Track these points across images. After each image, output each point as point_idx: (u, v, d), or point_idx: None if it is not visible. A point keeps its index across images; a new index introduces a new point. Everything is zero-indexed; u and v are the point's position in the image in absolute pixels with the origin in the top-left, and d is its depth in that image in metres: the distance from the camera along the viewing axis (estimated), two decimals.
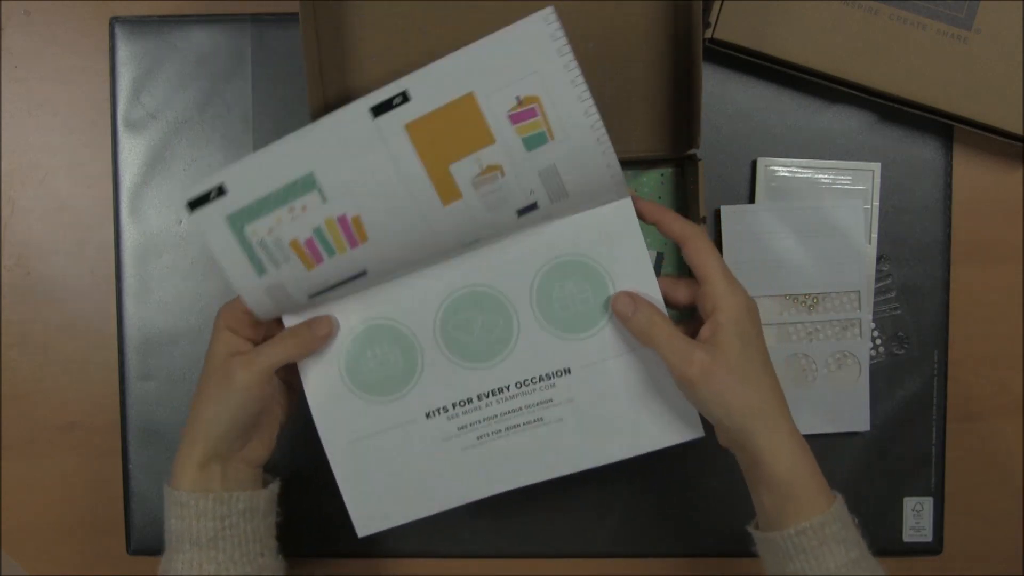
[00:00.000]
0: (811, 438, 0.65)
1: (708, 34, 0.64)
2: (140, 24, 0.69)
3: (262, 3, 0.70)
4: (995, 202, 0.70)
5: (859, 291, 0.67)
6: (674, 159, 0.67)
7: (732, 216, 0.67)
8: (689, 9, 0.59)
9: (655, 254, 0.67)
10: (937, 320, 0.69)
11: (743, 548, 0.71)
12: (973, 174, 0.70)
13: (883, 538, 0.69)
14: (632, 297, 0.55)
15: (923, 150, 0.69)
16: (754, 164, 0.68)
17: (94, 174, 0.72)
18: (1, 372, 0.72)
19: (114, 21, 0.69)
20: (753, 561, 0.72)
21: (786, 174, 0.67)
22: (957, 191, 0.69)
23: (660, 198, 0.67)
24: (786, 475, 0.52)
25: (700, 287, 0.53)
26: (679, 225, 0.54)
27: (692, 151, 0.63)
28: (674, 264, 0.67)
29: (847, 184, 0.67)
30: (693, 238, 0.54)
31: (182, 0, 0.70)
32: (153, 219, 0.70)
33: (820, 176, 0.67)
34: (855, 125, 0.69)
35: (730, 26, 0.64)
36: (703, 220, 0.62)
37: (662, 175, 0.67)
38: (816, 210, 0.67)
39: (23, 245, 0.72)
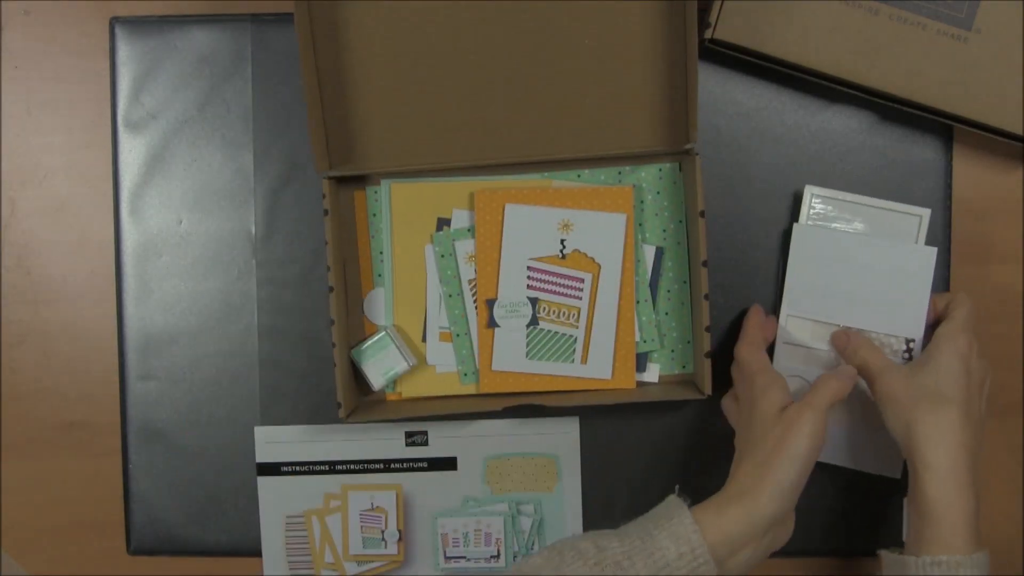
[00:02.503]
0: (836, 471, 0.67)
1: (708, 34, 0.64)
2: (140, 24, 0.69)
3: (262, 3, 0.70)
4: (995, 202, 0.70)
5: (916, 340, 0.66)
6: (672, 154, 0.67)
7: (803, 234, 0.66)
8: (684, 7, 0.59)
9: (655, 249, 0.67)
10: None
11: None
12: (973, 174, 0.70)
13: (883, 538, 0.69)
14: (846, 333, 0.65)
15: (923, 150, 0.69)
16: (797, 193, 0.68)
17: (94, 174, 0.72)
18: (1, 372, 0.72)
19: (114, 21, 0.69)
20: None
21: (829, 207, 0.66)
22: (957, 191, 0.69)
23: (659, 192, 0.67)
24: (937, 497, 0.54)
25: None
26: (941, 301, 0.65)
27: (689, 145, 0.63)
28: (674, 259, 0.67)
29: (892, 224, 0.66)
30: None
31: (182, 0, 0.70)
32: (153, 219, 0.70)
33: (866, 209, 0.66)
34: (855, 125, 0.69)
35: (730, 26, 0.64)
36: (702, 214, 0.62)
37: (660, 170, 0.67)
38: (886, 248, 0.65)
39: (23, 245, 0.72)
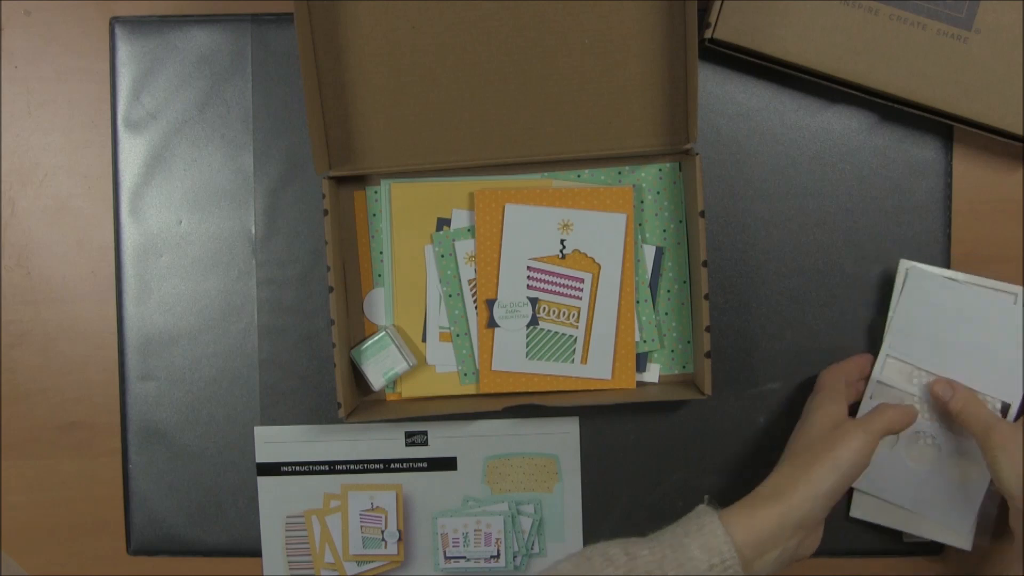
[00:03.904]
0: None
1: (708, 34, 0.64)
2: (140, 24, 0.69)
3: (262, 3, 0.70)
4: (995, 202, 0.70)
5: (1014, 404, 0.64)
6: (672, 153, 0.67)
7: (918, 278, 0.66)
8: (684, 7, 0.59)
9: (655, 249, 0.67)
10: None
11: None
12: (973, 174, 0.70)
13: (883, 538, 0.69)
14: (950, 383, 0.63)
15: (923, 150, 0.69)
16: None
17: (94, 174, 0.72)
18: (1, 372, 0.72)
19: (114, 21, 0.69)
20: None
21: (930, 284, 0.65)
22: (957, 191, 0.69)
23: (659, 192, 0.67)
24: None
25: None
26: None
27: (689, 145, 0.63)
28: (674, 259, 0.67)
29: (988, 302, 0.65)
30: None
31: (182, 0, 0.70)
32: (153, 219, 0.70)
33: (965, 289, 0.65)
34: (855, 125, 0.69)
35: (730, 26, 0.64)
36: (702, 214, 0.62)
37: (660, 170, 0.67)
38: (995, 304, 0.65)
39: (23, 245, 0.72)
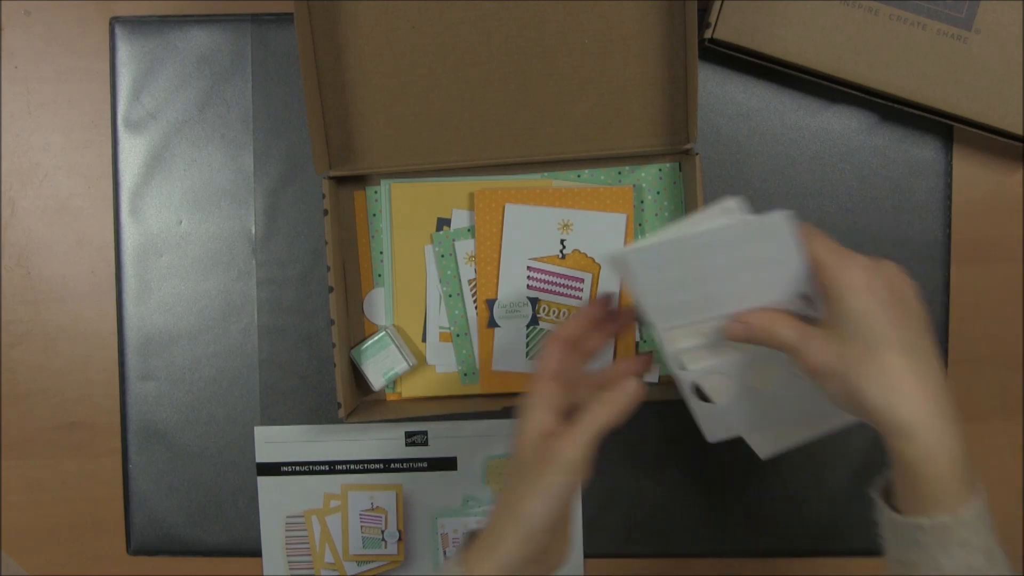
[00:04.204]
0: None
1: (708, 34, 0.64)
2: (140, 24, 0.69)
3: (262, 3, 0.70)
4: (995, 202, 0.70)
5: (807, 292, 0.53)
6: (672, 153, 0.67)
7: (635, 262, 0.51)
8: (684, 7, 0.59)
9: None
10: (937, 320, 0.69)
11: (744, 548, 0.71)
12: (973, 174, 0.70)
13: None
14: (739, 318, 0.52)
15: (923, 150, 0.69)
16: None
17: (94, 174, 0.72)
18: (1, 372, 0.72)
19: (114, 21, 0.69)
20: (755, 561, 0.72)
21: (651, 257, 0.51)
22: (957, 191, 0.69)
23: (659, 192, 0.67)
24: (911, 457, 0.46)
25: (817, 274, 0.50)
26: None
27: (689, 145, 0.63)
28: None
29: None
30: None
31: (182, 0, 0.70)
32: (153, 219, 0.70)
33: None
34: (855, 125, 0.69)
35: (730, 26, 0.64)
36: None
37: (660, 170, 0.67)
38: (724, 228, 0.51)
39: (23, 245, 0.72)
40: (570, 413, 0.52)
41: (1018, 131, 0.64)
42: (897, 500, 0.49)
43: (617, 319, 0.58)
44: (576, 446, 0.49)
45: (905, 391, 0.46)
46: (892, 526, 0.49)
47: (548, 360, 0.54)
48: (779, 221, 0.50)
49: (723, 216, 0.52)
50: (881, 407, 0.47)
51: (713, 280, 0.53)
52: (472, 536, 0.52)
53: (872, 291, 0.48)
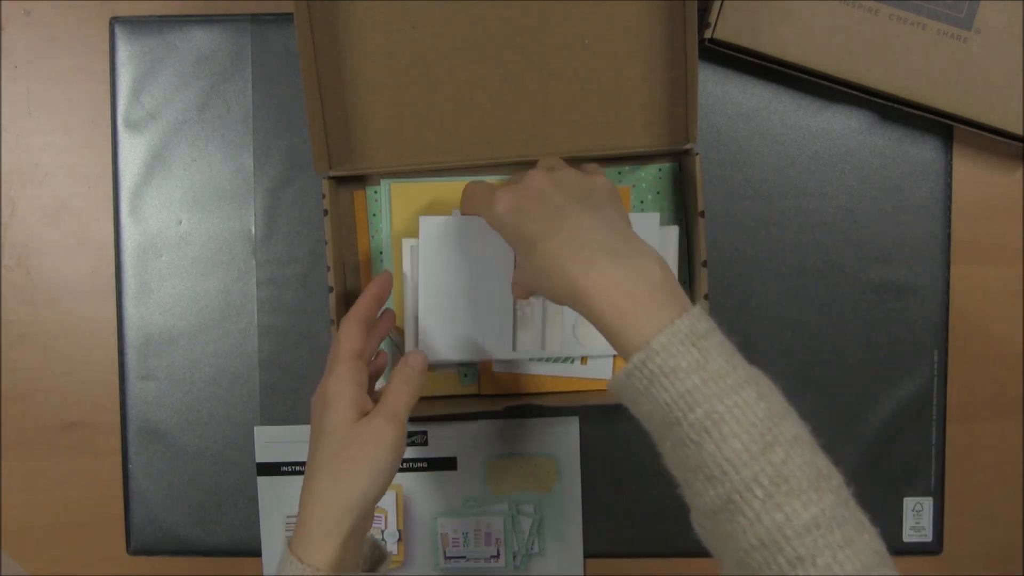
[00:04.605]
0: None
1: (708, 34, 0.64)
2: (140, 24, 0.69)
3: (262, 3, 0.70)
4: (995, 202, 0.70)
5: None
6: (672, 153, 0.67)
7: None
8: (684, 7, 0.59)
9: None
10: (937, 320, 0.69)
11: None
12: (973, 174, 0.70)
13: (883, 538, 0.69)
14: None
15: (923, 150, 0.69)
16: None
17: (94, 174, 0.72)
18: (1, 372, 0.72)
19: (114, 21, 0.69)
20: None
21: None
22: (957, 191, 0.69)
23: (659, 192, 0.67)
24: (596, 307, 0.46)
25: None
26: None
27: (689, 145, 0.63)
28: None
29: None
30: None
31: (182, 0, 0.70)
32: (153, 219, 0.70)
33: None
34: (855, 125, 0.69)
35: (730, 26, 0.64)
36: (702, 214, 0.62)
37: (660, 170, 0.67)
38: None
39: (23, 245, 0.72)
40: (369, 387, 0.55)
41: (1018, 131, 0.64)
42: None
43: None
44: (398, 426, 0.52)
45: (555, 264, 0.48)
46: (617, 393, 0.48)
47: (348, 340, 0.55)
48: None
49: None
50: (550, 288, 0.48)
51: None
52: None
53: (511, 211, 0.51)
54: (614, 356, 0.67)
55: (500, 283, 0.64)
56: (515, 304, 0.64)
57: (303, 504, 0.52)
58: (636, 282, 0.46)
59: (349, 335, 0.55)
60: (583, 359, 0.67)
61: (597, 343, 0.65)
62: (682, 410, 0.43)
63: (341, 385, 0.53)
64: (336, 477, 0.51)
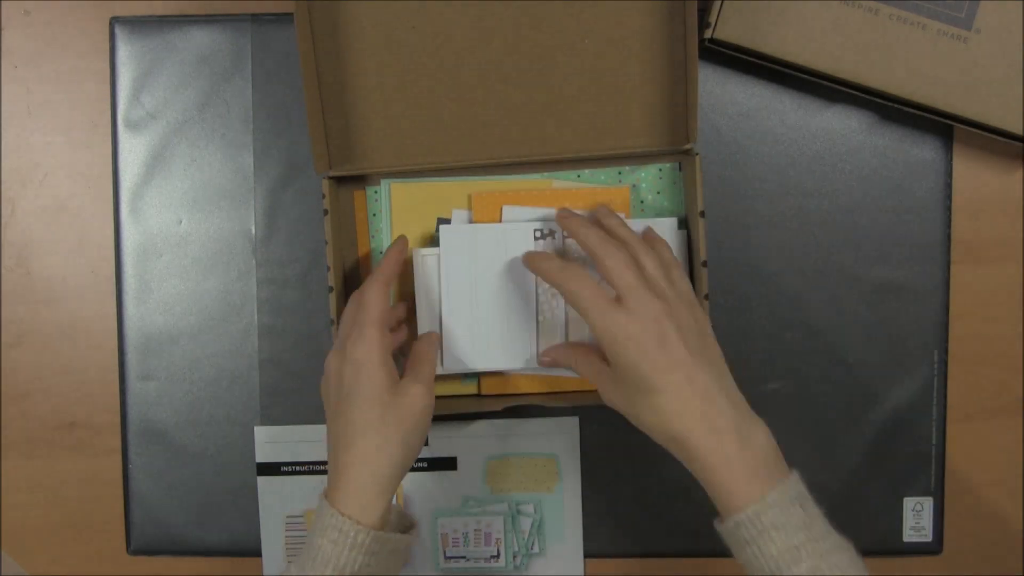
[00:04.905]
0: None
1: (708, 34, 0.64)
2: (140, 24, 0.69)
3: (262, 3, 0.70)
4: (995, 202, 0.70)
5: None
6: (672, 153, 0.67)
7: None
8: (684, 7, 0.59)
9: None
10: (937, 320, 0.69)
11: None
12: (973, 174, 0.70)
13: (883, 538, 0.69)
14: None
15: (923, 150, 0.69)
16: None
17: (94, 174, 0.72)
18: (1, 372, 0.72)
19: (114, 21, 0.69)
20: None
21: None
22: (957, 191, 0.69)
23: (659, 192, 0.67)
24: (709, 463, 0.51)
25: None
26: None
27: (689, 145, 0.63)
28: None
29: None
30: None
31: (182, 0, 0.70)
32: (153, 219, 0.70)
33: None
34: (855, 125, 0.69)
35: (730, 26, 0.64)
36: (702, 214, 0.62)
37: (660, 170, 0.67)
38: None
39: (23, 245, 0.72)
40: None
41: (1018, 131, 0.64)
42: (719, 512, 0.53)
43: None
44: (432, 392, 0.55)
45: (675, 417, 0.52)
46: (723, 536, 0.53)
47: (376, 306, 0.56)
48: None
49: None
50: (658, 430, 0.53)
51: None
52: (324, 495, 0.55)
53: (636, 342, 0.53)
54: None
55: (521, 291, 0.64)
56: (537, 311, 0.65)
57: (348, 465, 0.54)
58: (747, 446, 0.51)
59: (376, 300, 0.56)
60: None
61: None
62: (788, 563, 0.49)
63: (373, 351, 0.55)
64: (386, 439, 0.53)
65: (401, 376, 0.57)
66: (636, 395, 0.54)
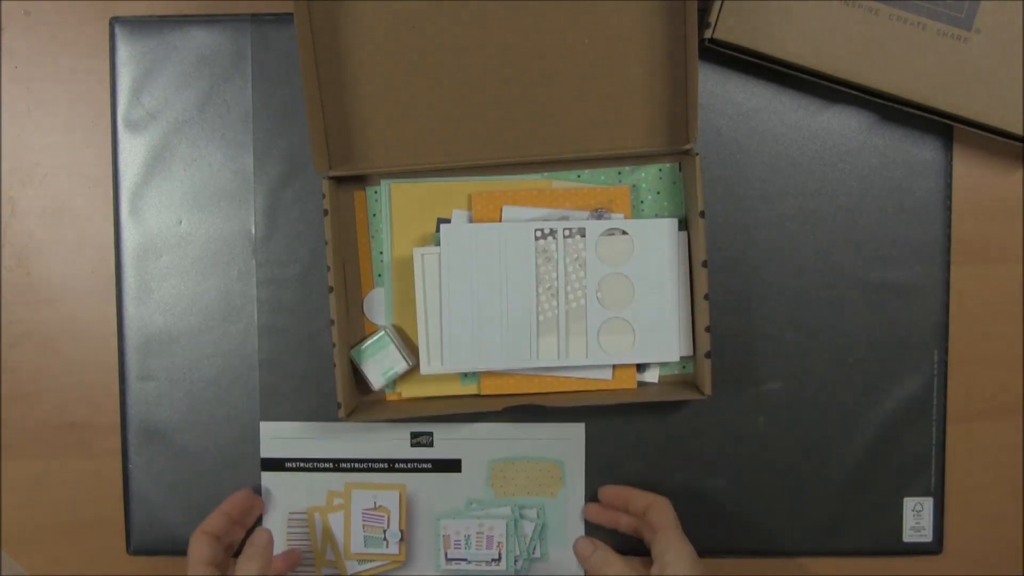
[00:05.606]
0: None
1: (708, 34, 0.64)
2: (140, 24, 0.69)
3: (262, 3, 0.70)
4: (995, 202, 0.70)
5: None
6: (672, 153, 0.67)
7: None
8: (684, 7, 0.59)
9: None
10: (937, 320, 0.69)
11: (744, 547, 0.71)
12: (973, 174, 0.70)
13: (883, 538, 0.69)
14: (592, 541, 0.66)
15: (923, 150, 0.69)
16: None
17: (94, 174, 0.72)
18: (1, 372, 0.72)
19: (114, 21, 0.69)
20: (754, 561, 0.72)
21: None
22: (957, 191, 0.69)
23: (659, 192, 0.67)
24: None
25: (655, 534, 0.62)
26: (643, 497, 0.65)
27: (689, 145, 0.63)
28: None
29: None
30: (656, 503, 0.64)
31: (182, 0, 0.70)
32: (153, 219, 0.70)
33: None
34: (855, 125, 0.69)
35: (730, 26, 0.64)
36: (702, 214, 0.62)
37: (660, 170, 0.67)
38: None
39: (23, 245, 0.72)
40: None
41: (1018, 131, 0.64)
42: None
43: (255, 509, 0.70)
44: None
45: None
46: None
47: (197, 553, 0.63)
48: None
49: None
50: None
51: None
52: None
53: (695, 565, 0.59)
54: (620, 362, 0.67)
55: (521, 290, 0.64)
56: (537, 309, 0.65)
57: None
58: None
59: (198, 551, 0.63)
60: None
61: (623, 351, 0.66)
62: None
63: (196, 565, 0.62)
64: None
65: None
66: None
